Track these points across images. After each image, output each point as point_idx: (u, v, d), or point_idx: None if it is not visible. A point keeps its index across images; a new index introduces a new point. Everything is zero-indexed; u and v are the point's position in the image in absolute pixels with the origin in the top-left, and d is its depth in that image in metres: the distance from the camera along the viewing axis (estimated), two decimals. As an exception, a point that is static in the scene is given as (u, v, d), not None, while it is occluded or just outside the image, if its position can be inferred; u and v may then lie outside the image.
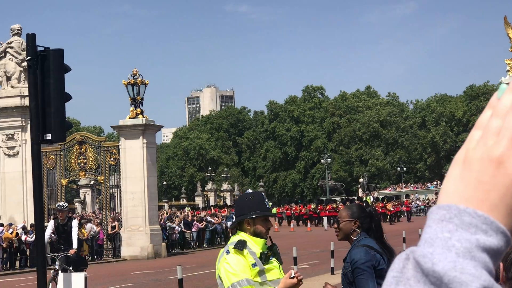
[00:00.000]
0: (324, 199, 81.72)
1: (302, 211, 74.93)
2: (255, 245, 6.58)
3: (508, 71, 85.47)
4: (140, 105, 39.51)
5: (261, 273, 6.52)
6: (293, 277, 6.32)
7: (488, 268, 0.92)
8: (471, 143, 1.01)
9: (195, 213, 55.07)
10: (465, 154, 1.02)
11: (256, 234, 6.64)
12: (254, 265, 6.51)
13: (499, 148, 0.97)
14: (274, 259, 6.65)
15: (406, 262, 0.93)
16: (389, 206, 65.86)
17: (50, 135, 12.06)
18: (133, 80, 39.57)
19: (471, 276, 0.89)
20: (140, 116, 38.99)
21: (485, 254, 0.92)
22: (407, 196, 78.75)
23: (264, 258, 6.58)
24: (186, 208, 68.22)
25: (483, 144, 1.00)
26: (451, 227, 0.94)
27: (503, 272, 2.69)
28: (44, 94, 12.06)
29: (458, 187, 0.99)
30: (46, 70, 12.11)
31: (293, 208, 79.68)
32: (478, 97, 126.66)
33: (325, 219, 64.48)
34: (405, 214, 71.01)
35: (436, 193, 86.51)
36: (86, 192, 76.07)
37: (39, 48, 12.23)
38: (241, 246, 6.56)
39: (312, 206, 75.51)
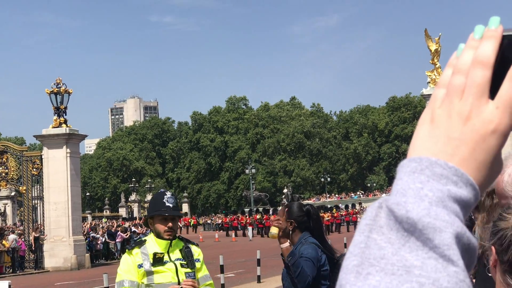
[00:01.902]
0: (248, 209, 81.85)
1: (248, 220, 71.85)
2: (157, 246, 6.48)
3: (429, 82, 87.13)
4: (64, 114, 38.92)
5: (148, 274, 6.40)
6: (179, 285, 6.29)
7: (460, 218, 0.93)
8: (436, 102, 1.01)
9: (120, 223, 54.49)
10: (431, 113, 1.03)
11: (157, 235, 6.55)
12: (140, 266, 6.39)
13: (466, 105, 0.98)
14: (178, 262, 6.48)
15: (379, 210, 0.93)
16: (326, 216, 64.69)
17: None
18: (56, 89, 38.97)
19: (445, 222, 0.90)
20: (63, 125, 38.42)
21: (456, 204, 0.94)
22: (353, 205, 78.46)
23: (154, 259, 6.45)
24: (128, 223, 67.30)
25: (448, 102, 1.01)
26: (422, 178, 0.94)
27: (495, 255, 2.70)
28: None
29: (427, 144, 1.00)
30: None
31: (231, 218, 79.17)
32: (400, 108, 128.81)
33: (250, 229, 64.51)
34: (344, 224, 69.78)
35: (360, 203, 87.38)
36: (6, 204, 74.51)
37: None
38: (132, 245, 6.56)
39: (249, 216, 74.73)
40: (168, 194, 6.71)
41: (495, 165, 1.00)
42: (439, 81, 1.03)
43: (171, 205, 6.53)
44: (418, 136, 1.02)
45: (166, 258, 6.43)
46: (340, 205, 77.32)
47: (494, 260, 2.73)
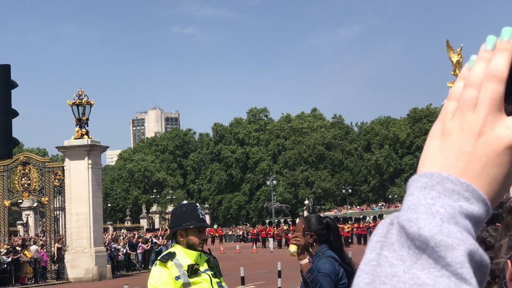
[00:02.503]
0: (269, 221, 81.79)
1: (276, 232, 70.23)
2: (187, 257, 6.50)
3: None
4: (86, 125, 39.15)
5: (186, 285, 6.43)
6: None
7: (471, 235, 0.92)
8: (447, 115, 1.00)
9: (140, 234, 54.59)
10: (442, 127, 1.01)
11: (189, 246, 6.55)
12: (177, 278, 6.42)
13: (479, 120, 0.97)
14: (209, 272, 6.55)
15: (390, 227, 0.92)
16: (346, 228, 63.83)
17: (-4, 151, 11.82)
18: (78, 101, 39.22)
19: (457, 239, 0.89)
20: (85, 136, 38.64)
21: (468, 220, 0.93)
22: (376, 217, 77.79)
23: (191, 271, 6.50)
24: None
25: (460, 115, 0.99)
26: (434, 194, 0.93)
27: (511, 269, 2.69)
28: (-10, 110, 11.84)
29: (438, 158, 0.99)
30: (-8, 86, 11.90)
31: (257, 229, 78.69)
32: (421, 119, 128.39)
33: (270, 240, 64.43)
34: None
35: (380, 215, 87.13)
36: (29, 215, 74.84)
37: (-15, 64, 12.02)
38: (165, 258, 6.53)
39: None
40: (198, 206, 6.81)
41: (507, 180, 0.99)
42: (450, 94, 1.01)
43: (203, 217, 6.65)
44: (428, 150, 1.01)
45: (200, 269, 6.52)
46: (361, 216, 76.75)
47: (510, 274, 2.73)
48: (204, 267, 6.56)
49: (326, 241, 6.70)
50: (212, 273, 6.58)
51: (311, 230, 6.69)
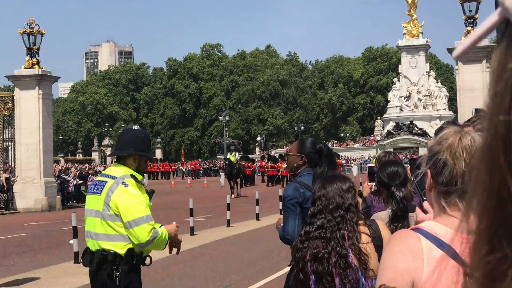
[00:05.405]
0: (222, 156, 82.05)
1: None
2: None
3: (405, 34, 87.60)
4: (37, 55, 38.66)
5: (151, 209, 6.54)
6: None
7: None
8: None
9: (93, 167, 54.43)
10: None
11: (138, 171, 6.60)
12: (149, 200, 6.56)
13: None
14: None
15: None
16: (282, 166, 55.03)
17: None
18: (29, 29, 38.62)
19: None
20: (36, 66, 38.17)
21: None
22: None
23: (150, 195, 6.59)
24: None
25: None
26: None
27: (431, 179, 2.80)
28: None
29: None
30: None
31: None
32: (376, 59, 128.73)
33: (221, 175, 64.69)
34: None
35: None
36: (-22, 145, 74.06)
37: None
38: (136, 180, 6.51)
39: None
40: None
41: None
42: None
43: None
44: None
45: None
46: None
47: (429, 184, 2.84)
48: None
49: (316, 165, 6.69)
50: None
51: (302, 152, 6.73)
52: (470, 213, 0.87)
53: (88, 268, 6.64)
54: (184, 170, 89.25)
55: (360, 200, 5.21)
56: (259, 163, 71.34)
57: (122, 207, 6.26)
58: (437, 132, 3.60)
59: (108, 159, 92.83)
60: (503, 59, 0.89)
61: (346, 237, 4.61)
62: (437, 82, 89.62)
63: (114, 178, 6.42)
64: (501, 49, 0.89)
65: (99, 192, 6.41)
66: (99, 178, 6.77)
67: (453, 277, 2.14)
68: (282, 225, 6.49)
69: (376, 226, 4.87)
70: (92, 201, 6.51)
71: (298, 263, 4.69)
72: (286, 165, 6.94)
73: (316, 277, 4.56)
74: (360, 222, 4.75)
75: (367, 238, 4.68)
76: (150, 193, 6.63)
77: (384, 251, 2.90)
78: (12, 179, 37.95)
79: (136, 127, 7.35)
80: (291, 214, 6.36)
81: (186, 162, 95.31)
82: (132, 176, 6.46)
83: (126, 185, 6.35)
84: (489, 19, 0.90)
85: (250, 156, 75.96)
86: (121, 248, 6.33)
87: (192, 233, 22.42)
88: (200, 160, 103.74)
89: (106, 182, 6.44)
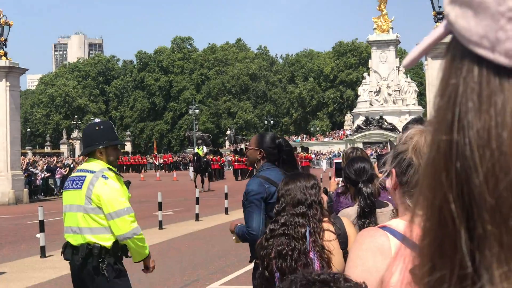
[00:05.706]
0: (192, 150, 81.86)
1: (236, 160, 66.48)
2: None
3: (375, 29, 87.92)
4: (4, 46, 38.36)
5: (129, 200, 6.55)
6: None
7: None
8: None
9: (61, 159, 54.08)
10: None
11: (109, 163, 6.59)
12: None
13: None
14: None
15: None
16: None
17: None
18: (-4, 21, 38.32)
19: None
20: (3, 58, 37.85)
21: None
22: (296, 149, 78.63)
23: (127, 186, 6.59)
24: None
25: None
26: None
27: (395, 178, 2.77)
28: None
29: None
30: None
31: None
32: (346, 53, 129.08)
33: (191, 168, 64.49)
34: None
35: (302, 147, 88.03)
36: None
37: None
38: (115, 172, 6.53)
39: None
40: (112, 124, 7.03)
41: None
42: None
43: (117, 135, 6.85)
44: None
45: None
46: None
47: (394, 183, 2.81)
48: None
49: (275, 161, 6.61)
50: None
51: (261, 146, 6.63)
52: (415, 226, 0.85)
53: (68, 262, 6.67)
54: (156, 164, 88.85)
55: (325, 197, 5.19)
56: (230, 157, 71.28)
57: (104, 199, 6.31)
58: (404, 130, 3.58)
59: (77, 152, 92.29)
60: (446, 74, 0.87)
61: (308, 234, 4.60)
62: (407, 77, 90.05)
63: (92, 172, 6.46)
64: (445, 63, 0.87)
65: (79, 187, 6.44)
66: (76, 174, 6.76)
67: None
68: (238, 225, 6.44)
69: (340, 223, 4.87)
70: (72, 197, 6.53)
71: (264, 260, 4.67)
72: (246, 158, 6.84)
73: (281, 274, 4.55)
74: (325, 219, 4.73)
75: (332, 235, 4.67)
76: (127, 184, 6.65)
77: (352, 248, 2.88)
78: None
79: (97, 120, 7.30)
80: (255, 209, 6.27)
81: (158, 156, 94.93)
82: (110, 168, 6.47)
83: (106, 178, 6.40)
84: (436, 30, 0.87)
85: (219, 149, 75.86)
86: (106, 240, 6.39)
87: (160, 227, 22.36)
88: (171, 153, 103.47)
89: (85, 176, 6.46)
